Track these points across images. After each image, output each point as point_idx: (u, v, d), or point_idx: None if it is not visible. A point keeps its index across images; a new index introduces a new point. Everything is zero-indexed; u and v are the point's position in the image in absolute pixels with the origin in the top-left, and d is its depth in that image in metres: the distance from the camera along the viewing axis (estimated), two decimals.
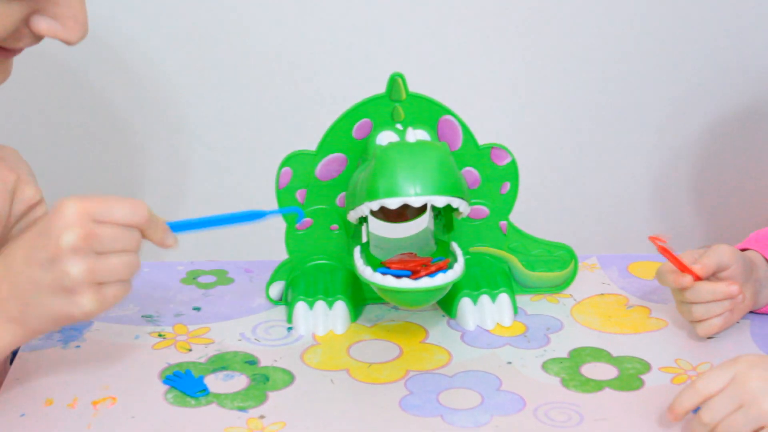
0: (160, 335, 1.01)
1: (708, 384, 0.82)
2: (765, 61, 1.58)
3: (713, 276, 0.98)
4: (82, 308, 0.79)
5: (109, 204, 0.79)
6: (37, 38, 0.81)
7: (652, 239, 0.97)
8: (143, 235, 0.82)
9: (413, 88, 1.01)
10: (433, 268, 0.95)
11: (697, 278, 0.97)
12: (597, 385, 0.93)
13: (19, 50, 0.82)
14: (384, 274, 0.94)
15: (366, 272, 0.95)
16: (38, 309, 0.80)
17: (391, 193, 0.92)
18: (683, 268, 0.97)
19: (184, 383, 0.92)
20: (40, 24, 0.79)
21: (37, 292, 0.79)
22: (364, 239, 1.03)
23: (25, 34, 0.80)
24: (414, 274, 0.94)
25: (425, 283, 0.92)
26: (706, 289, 0.96)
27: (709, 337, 1.00)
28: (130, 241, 0.80)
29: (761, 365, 0.81)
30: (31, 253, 0.79)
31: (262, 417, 0.88)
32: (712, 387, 0.82)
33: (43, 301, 0.79)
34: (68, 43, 0.81)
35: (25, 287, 0.79)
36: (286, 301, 1.07)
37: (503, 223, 1.07)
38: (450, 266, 0.96)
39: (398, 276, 0.93)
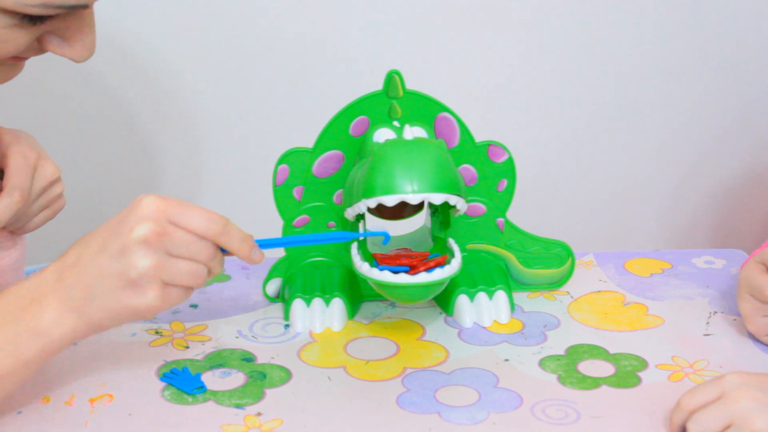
0: (157, 332, 1.01)
1: (692, 400, 0.82)
2: (762, 54, 1.58)
3: None
4: (146, 301, 0.79)
5: (186, 209, 0.80)
6: (45, 51, 0.84)
7: None
8: (227, 250, 0.83)
9: (410, 85, 1.01)
10: (431, 264, 0.95)
11: None
12: (594, 383, 0.93)
13: (28, 57, 0.85)
14: (381, 269, 0.94)
15: (363, 268, 0.95)
16: (101, 300, 0.79)
17: (389, 190, 0.92)
18: None
19: (182, 380, 0.92)
20: (51, 44, 0.83)
21: (102, 281, 0.79)
22: None
23: (34, 48, 0.83)
24: (412, 270, 0.94)
25: (423, 278, 0.92)
26: None
27: (706, 334, 1.01)
28: (200, 251, 0.81)
29: (751, 384, 0.81)
30: (105, 242, 0.80)
31: (259, 414, 0.88)
32: (697, 402, 0.82)
33: (106, 292, 0.79)
34: (74, 61, 0.84)
35: (92, 276, 0.79)
36: (283, 298, 1.07)
37: (500, 220, 1.07)
38: (447, 262, 0.96)
39: (396, 272, 0.93)
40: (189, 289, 0.82)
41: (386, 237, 0.94)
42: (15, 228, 0.97)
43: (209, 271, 0.82)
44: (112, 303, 0.79)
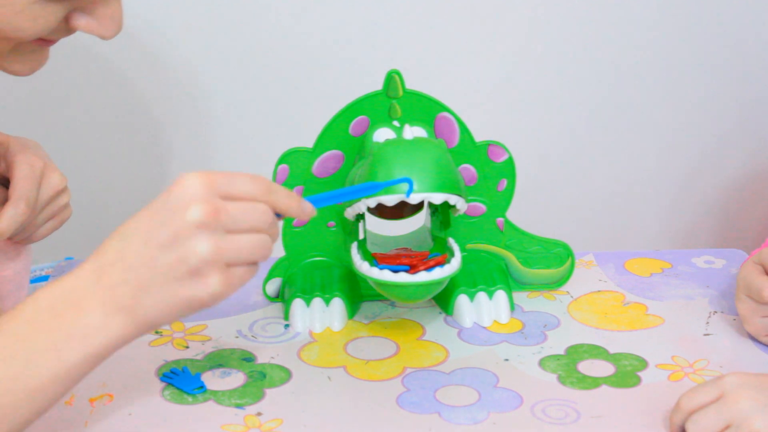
0: (156, 332, 1.00)
1: (691, 401, 0.82)
2: (763, 55, 1.58)
3: None
4: (210, 289, 0.72)
5: (231, 177, 0.73)
6: (72, 31, 0.83)
7: None
8: (276, 210, 0.76)
9: (410, 85, 1.01)
10: (431, 263, 0.95)
11: None
12: (594, 382, 0.93)
13: (56, 40, 0.84)
14: (381, 269, 0.94)
15: (363, 267, 0.95)
16: (156, 295, 0.72)
17: (388, 190, 0.92)
18: None
19: (181, 380, 0.92)
20: (79, 21, 0.81)
21: (155, 275, 0.71)
22: (361, 236, 1.03)
23: (62, 28, 0.82)
24: (412, 269, 0.94)
25: (423, 277, 0.92)
26: None
27: (706, 334, 1.01)
28: (260, 217, 0.74)
29: (750, 384, 0.81)
30: (150, 232, 0.72)
31: (259, 414, 0.88)
32: (696, 402, 0.82)
33: (161, 286, 0.72)
34: (103, 38, 0.82)
35: (142, 270, 0.72)
36: (282, 298, 1.07)
37: (500, 220, 1.07)
38: (447, 261, 0.96)
39: (395, 271, 0.93)
40: (254, 264, 0.74)
41: (410, 183, 0.91)
42: (21, 238, 0.97)
43: (271, 239, 0.75)
44: (169, 297, 0.72)
